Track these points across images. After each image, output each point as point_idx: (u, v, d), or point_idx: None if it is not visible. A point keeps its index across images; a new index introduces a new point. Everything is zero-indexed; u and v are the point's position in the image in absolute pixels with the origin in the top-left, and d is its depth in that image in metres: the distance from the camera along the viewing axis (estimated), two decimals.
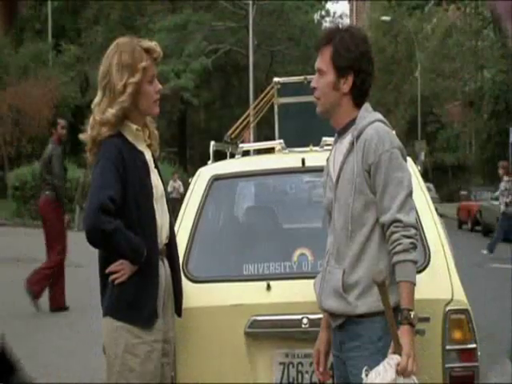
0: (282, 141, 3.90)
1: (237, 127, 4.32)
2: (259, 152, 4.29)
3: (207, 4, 31.03)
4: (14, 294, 10.11)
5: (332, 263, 2.74)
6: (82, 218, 21.98)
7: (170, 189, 21.96)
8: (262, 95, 4.59)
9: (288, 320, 3.12)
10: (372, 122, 2.69)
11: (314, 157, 3.57)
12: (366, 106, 2.78)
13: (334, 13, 37.95)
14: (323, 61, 2.74)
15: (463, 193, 27.20)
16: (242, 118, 4.43)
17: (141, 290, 2.84)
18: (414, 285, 2.55)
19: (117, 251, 2.81)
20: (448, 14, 32.89)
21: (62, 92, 27.56)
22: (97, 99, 2.92)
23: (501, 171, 16.40)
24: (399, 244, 2.56)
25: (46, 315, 8.70)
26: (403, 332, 2.50)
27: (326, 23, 38.46)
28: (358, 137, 2.67)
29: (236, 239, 3.57)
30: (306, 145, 3.96)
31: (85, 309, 8.37)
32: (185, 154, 33.52)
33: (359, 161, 2.64)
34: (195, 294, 3.24)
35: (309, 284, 2.93)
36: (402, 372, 2.46)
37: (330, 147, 3.97)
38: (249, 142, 11.05)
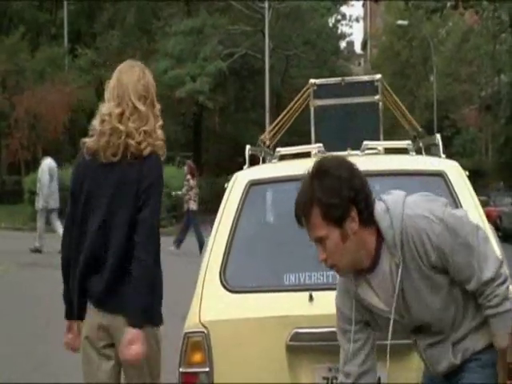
0: (321, 144, 3.75)
1: (270, 130, 4.18)
2: (295, 156, 4.14)
3: (223, 7, 30.93)
4: (32, 299, 10.03)
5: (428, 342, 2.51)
6: None
7: None
8: (297, 97, 4.44)
9: (331, 333, 2.94)
10: (398, 221, 2.32)
11: (353, 161, 3.40)
12: (377, 213, 2.35)
13: (350, 16, 37.70)
14: (317, 227, 2.32)
15: (482, 198, 26.92)
16: (277, 121, 4.29)
17: (162, 294, 3.12)
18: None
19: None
20: (465, 17, 32.63)
21: (77, 96, 27.49)
22: (138, 106, 3.05)
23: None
24: (495, 296, 2.34)
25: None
26: None
27: (342, 26, 38.31)
28: (402, 253, 2.32)
29: (275, 247, 3.42)
30: (344, 148, 3.80)
31: None
32: (200, 158, 33.40)
33: (421, 272, 2.34)
34: (234, 305, 3.13)
35: None
36: None
37: (371, 151, 3.83)
38: None
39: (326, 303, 3.01)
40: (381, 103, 4.11)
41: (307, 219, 2.31)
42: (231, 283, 3.18)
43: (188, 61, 28.59)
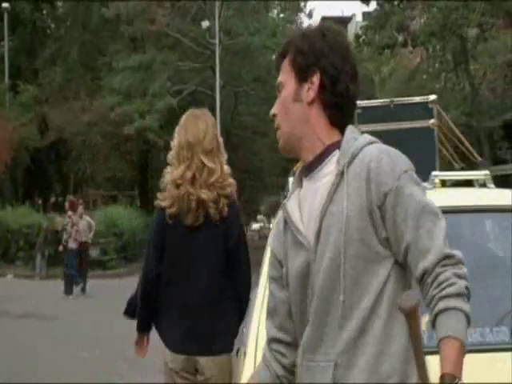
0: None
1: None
2: None
3: (172, 43, 30.48)
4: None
5: (309, 356, 1.93)
6: (43, 265, 20.71)
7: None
8: None
9: None
10: (369, 143, 1.93)
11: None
12: (352, 127, 1.99)
13: None
14: (282, 71, 2.04)
15: None
16: None
17: None
18: (464, 347, 1.70)
19: None
20: (410, 56, 33.21)
21: (20, 134, 26.53)
22: (208, 164, 3.33)
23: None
24: (450, 285, 1.75)
25: None
26: None
27: None
28: (350, 163, 1.88)
29: None
30: None
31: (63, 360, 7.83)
32: (146, 197, 32.56)
33: (361, 196, 1.84)
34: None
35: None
36: None
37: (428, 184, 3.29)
38: None
39: None
40: (436, 128, 3.59)
41: (282, 63, 2.07)
42: None
43: (136, 97, 27.92)
